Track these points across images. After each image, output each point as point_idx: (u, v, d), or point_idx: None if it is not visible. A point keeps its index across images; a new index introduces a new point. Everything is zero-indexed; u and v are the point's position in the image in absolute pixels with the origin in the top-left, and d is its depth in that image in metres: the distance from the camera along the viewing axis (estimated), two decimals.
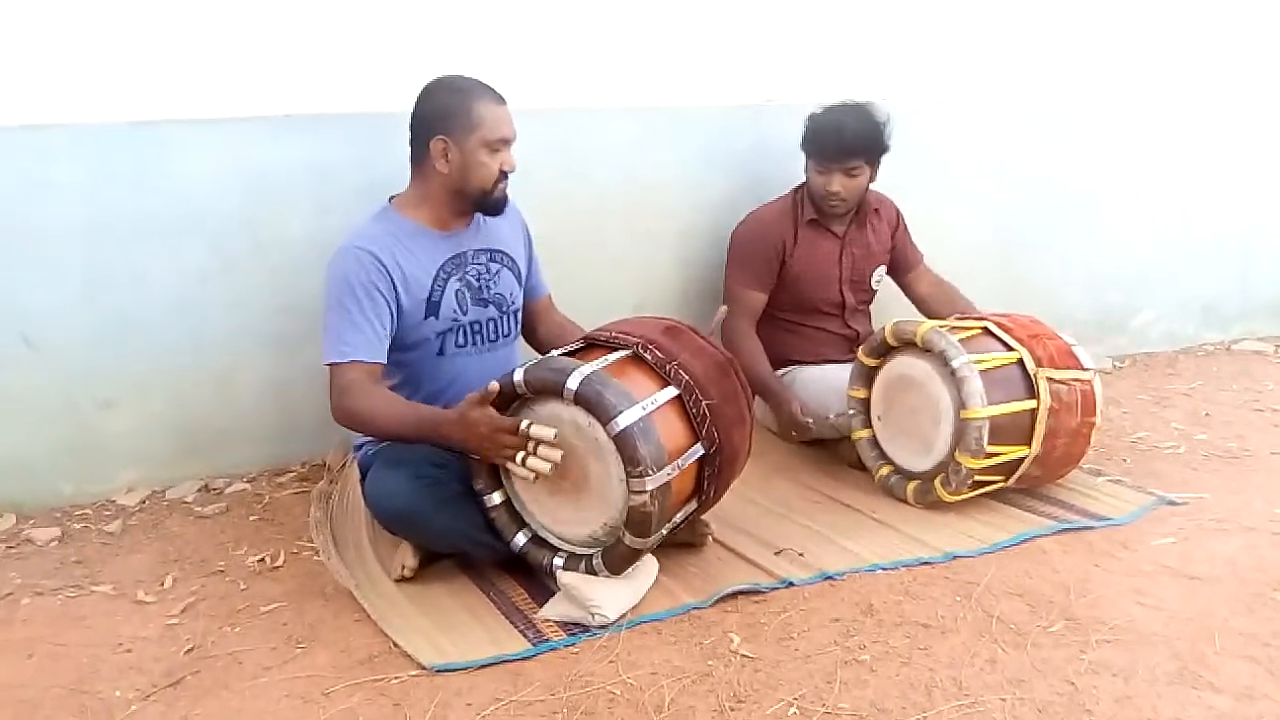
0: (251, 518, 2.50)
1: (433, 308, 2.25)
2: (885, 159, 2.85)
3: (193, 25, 2.47)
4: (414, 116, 2.24)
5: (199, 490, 2.64)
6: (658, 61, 3.00)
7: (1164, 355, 3.97)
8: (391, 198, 2.32)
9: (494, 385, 1.96)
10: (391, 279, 2.18)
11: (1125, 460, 2.84)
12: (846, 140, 2.75)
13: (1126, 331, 3.96)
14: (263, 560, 2.27)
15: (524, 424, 1.93)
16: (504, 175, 2.24)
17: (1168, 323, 4.04)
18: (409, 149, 2.26)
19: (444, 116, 2.19)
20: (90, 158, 2.43)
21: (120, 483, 2.61)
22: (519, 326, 2.46)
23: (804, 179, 2.93)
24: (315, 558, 2.28)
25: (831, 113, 2.81)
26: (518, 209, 2.45)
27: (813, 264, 2.93)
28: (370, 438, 2.27)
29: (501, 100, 2.22)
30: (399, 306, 2.20)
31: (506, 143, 2.23)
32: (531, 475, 1.96)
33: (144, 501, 2.58)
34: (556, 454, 1.93)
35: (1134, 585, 2.12)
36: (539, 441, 1.93)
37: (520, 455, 1.94)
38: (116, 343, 2.53)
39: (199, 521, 2.48)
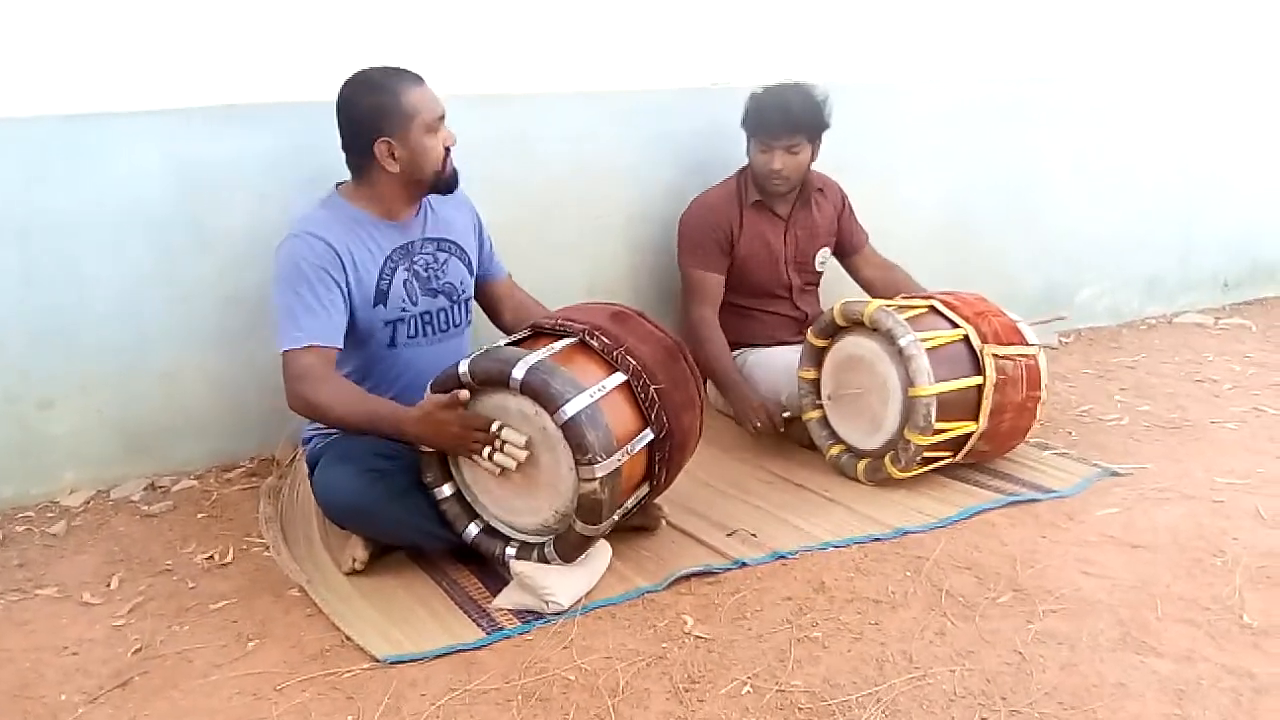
0: (199, 515, 2.46)
1: (381, 295, 2.23)
2: (834, 140, 2.87)
3: (126, 14, 2.41)
4: (346, 121, 2.19)
5: (145, 489, 2.59)
6: (605, 45, 2.98)
7: (1108, 330, 4.05)
8: (338, 184, 2.29)
9: (464, 395, 1.96)
10: (343, 264, 2.16)
11: (1070, 433, 2.89)
12: (788, 117, 2.77)
13: (1073, 307, 4.02)
14: (211, 557, 2.24)
15: (495, 425, 1.94)
16: (448, 151, 2.23)
17: (1112, 297, 4.12)
18: (343, 152, 2.23)
19: (379, 117, 2.15)
20: (23, 153, 2.37)
21: (63, 483, 2.55)
22: (470, 315, 2.44)
23: (747, 161, 2.93)
24: (265, 553, 2.25)
25: (772, 91, 2.82)
26: (468, 197, 2.44)
27: (758, 246, 2.94)
28: (319, 430, 2.25)
29: (421, 79, 2.21)
30: (349, 293, 2.18)
31: (441, 119, 2.22)
32: (496, 469, 1.97)
33: (88, 502, 2.53)
34: (523, 454, 1.94)
35: (1079, 555, 2.16)
36: (506, 442, 1.94)
37: (487, 450, 1.95)
38: (56, 341, 2.47)
39: (145, 520, 2.44)
